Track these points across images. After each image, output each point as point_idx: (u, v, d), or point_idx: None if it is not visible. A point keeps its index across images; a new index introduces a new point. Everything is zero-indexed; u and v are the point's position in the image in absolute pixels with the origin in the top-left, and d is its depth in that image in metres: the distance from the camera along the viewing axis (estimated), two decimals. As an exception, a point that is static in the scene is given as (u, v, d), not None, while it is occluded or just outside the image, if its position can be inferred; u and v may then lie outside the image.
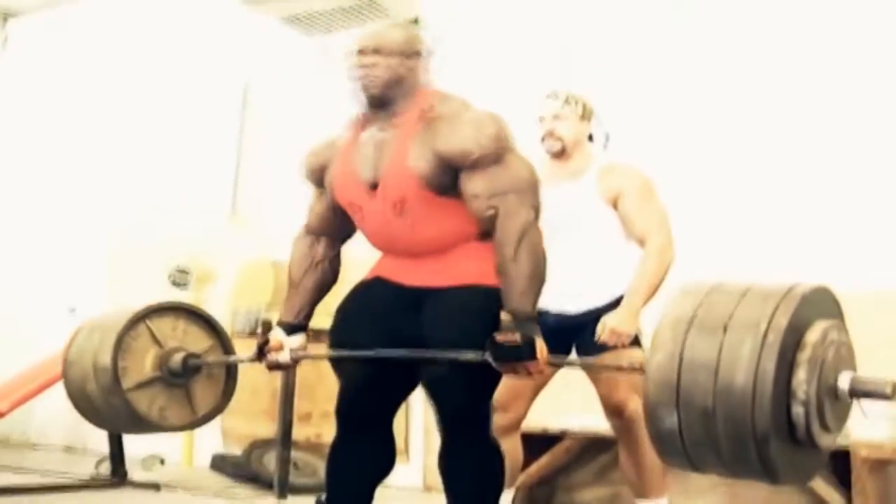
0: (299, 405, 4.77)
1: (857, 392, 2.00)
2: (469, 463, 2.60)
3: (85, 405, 3.10)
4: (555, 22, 5.21)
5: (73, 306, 6.28)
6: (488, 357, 2.41)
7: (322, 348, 2.79)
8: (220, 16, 6.28)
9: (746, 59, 4.65)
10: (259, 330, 2.91)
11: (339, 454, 2.69)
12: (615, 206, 3.24)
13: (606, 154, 3.41)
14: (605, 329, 3.07)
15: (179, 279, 5.18)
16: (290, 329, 2.80)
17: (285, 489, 4.49)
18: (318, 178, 2.80)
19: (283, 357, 2.77)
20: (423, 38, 2.71)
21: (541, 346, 2.43)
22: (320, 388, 4.91)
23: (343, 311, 2.73)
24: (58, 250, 6.74)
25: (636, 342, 3.16)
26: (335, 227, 2.82)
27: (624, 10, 5.03)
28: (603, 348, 3.12)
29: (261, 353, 2.80)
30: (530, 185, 2.56)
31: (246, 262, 5.12)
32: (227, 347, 3.30)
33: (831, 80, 4.44)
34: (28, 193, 7.05)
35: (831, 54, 4.46)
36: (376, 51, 2.60)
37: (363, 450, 2.67)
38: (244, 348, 2.89)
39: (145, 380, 3.05)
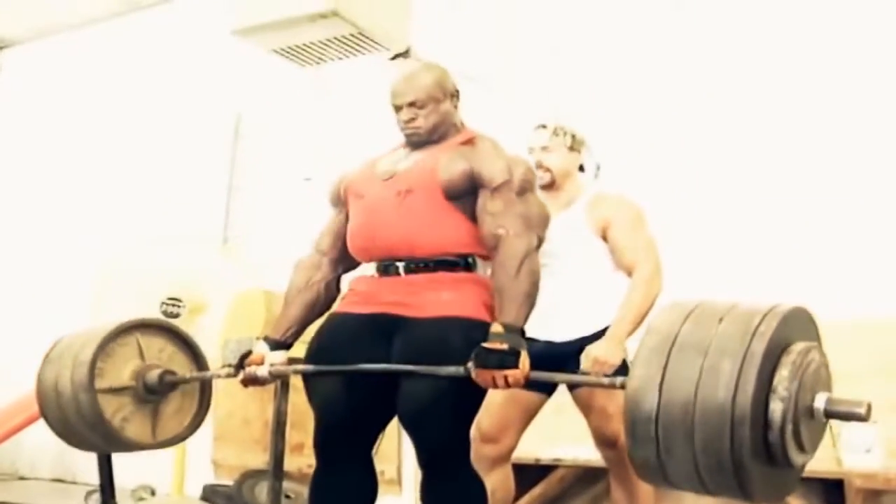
0: (291, 435, 4.74)
1: (833, 413, 2.02)
2: (450, 495, 2.59)
3: (51, 401, 3.05)
4: (545, 51, 5.24)
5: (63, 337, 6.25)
6: (470, 367, 2.40)
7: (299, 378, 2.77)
8: (212, 47, 6.30)
9: (734, 85, 4.68)
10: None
11: (320, 488, 2.68)
12: (604, 236, 3.25)
13: (598, 183, 3.42)
14: (589, 358, 3.06)
15: (171, 309, 5.17)
16: (275, 345, 2.78)
17: (277, 516, 4.47)
18: (336, 198, 2.88)
19: (262, 371, 2.74)
20: (451, 77, 2.83)
21: (524, 358, 2.44)
22: (312, 418, 4.88)
23: (314, 346, 2.72)
24: (45, 281, 6.72)
25: (624, 370, 3.15)
26: (342, 248, 2.84)
27: (612, 37, 5.07)
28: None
29: (240, 365, 2.78)
30: (541, 220, 2.69)
31: (237, 293, 5.10)
32: (207, 384, 3.28)
33: (818, 105, 4.47)
34: (17, 223, 7.04)
35: (818, 81, 4.49)
36: (412, 104, 2.74)
37: (344, 482, 2.65)
38: (233, 379, 2.87)
39: (119, 386, 3.03)
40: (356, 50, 5.10)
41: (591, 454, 3.68)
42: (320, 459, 2.68)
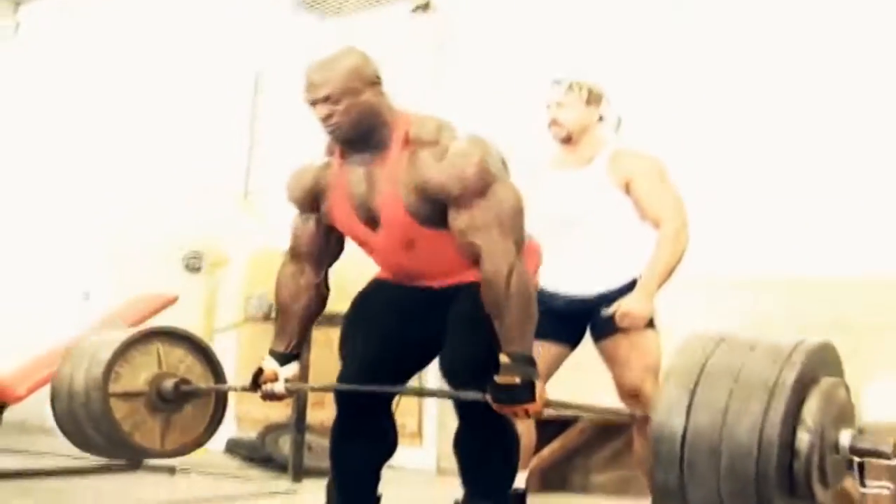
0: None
1: (858, 450, 2.02)
2: (484, 442, 2.61)
3: (62, 397, 3.09)
4: (568, 6, 5.18)
5: (87, 291, 6.32)
6: (488, 398, 2.41)
7: (335, 332, 2.79)
8: (233, 0, 6.28)
9: (755, 47, 4.62)
10: (272, 315, 2.91)
11: (340, 439, 2.71)
12: (627, 190, 3.23)
13: (619, 137, 3.40)
14: (620, 311, 3.07)
15: (193, 263, 5.20)
16: (283, 359, 2.77)
17: (300, 472, 4.52)
18: (306, 204, 2.71)
19: (279, 388, 2.74)
20: (371, 62, 2.54)
21: (540, 388, 2.41)
22: (334, 371, 4.91)
23: (357, 307, 2.74)
24: (71, 236, 6.75)
25: (651, 324, 3.17)
26: (323, 251, 2.75)
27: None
28: (618, 328, 3.13)
29: (255, 384, 2.77)
30: (514, 215, 2.48)
31: (258, 247, 5.13)
32: (222, 397, 3.30)
33: (840, 68, 4.41)
34: (40, 179, 7.07)
35: (839, 42, 4.43)
36: (327, 99, 2.48)
37: (364, 433, 2.68)
38: (257, 332, 2.89)
39: (133, 391, 3.05)
40: (377, 1, 5.08)
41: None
42: (340, 409, 2.70)
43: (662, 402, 2.01)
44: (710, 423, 1.93)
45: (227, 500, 3.86)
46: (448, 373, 2.58)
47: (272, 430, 5.21)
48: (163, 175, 6.30)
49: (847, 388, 2.09)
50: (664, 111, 4.65)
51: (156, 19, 6.67)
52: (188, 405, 3.19)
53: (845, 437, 2.01)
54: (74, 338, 4.45)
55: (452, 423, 2.70)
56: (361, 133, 2.51)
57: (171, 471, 4.76)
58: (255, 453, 5.16)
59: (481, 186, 2.44)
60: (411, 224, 2.52)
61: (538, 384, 2.40)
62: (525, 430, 3.30)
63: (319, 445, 4.87)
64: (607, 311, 3.11)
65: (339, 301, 2.82)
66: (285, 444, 4.82)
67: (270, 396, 2.76)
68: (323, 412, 5.19)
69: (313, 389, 2.80)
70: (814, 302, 4.20)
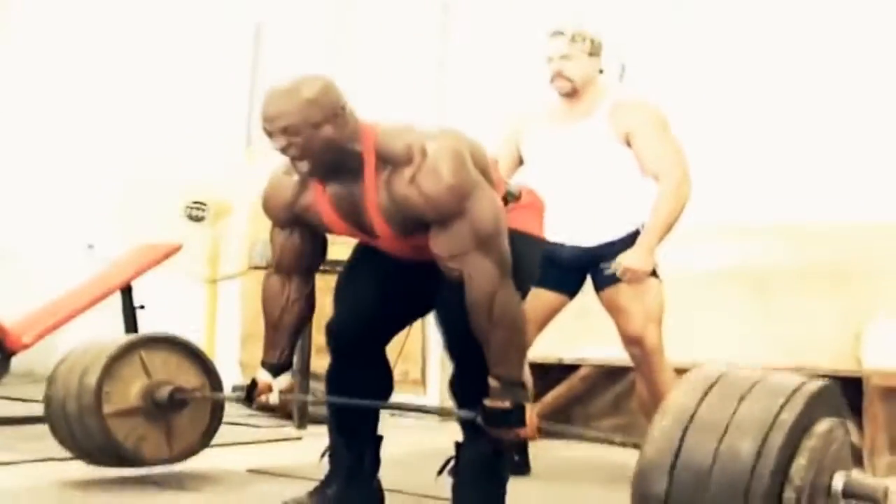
0: (317, 337, 4.78)
1: (850, 493, 2.00)
2: (479, 387, 2.64)
3: (61, 425, 3.08)
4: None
5: (91, 242, 6.34)
6: (479, 421, 2.42)
7: (334, 278, 2.80)
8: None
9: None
10: None
11: (335, 380, 2.73)
12: (628, 143, 3.23)
13: (622, 86, 3.39)
14: (621, 266, 3.09)
15: (196, 213, 5.20)
16: (276, 370, 2.76)
17: (304, 419, 4.56)
18: (287, 218, 2.65)
19: (273, 399, 2.76)
20: (333, 90, 2.39)
21: (530, 412, 2.43)
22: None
23: (354, 260, 2.75)
24: (74, 187, 6.77)
25: (653, 273, 3.19)
26: (308, 261, 2.72)
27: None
28: (618, 279, 3.15)
29: (249, 397, 2.77)
30: (493, 233, 2.39)
31: (262, 195, 5.12)
32: (215, 386, 3.30)
33: (838, 19, 4.39)
34: (43, 131, 7.06)
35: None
36: (284, 131, 2.34)
37: (358, 377, 2.69)
38: (262, 280, 2.89)
39: (128, 408, 3.04)
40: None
41: (614, 354, 3.73)
42: (333, 354, 2.72)
43: (646, 455, 1.97)
44: (699, 462, 1.88)
45: (234, 446, 3.90)
46: (441, 322, 2.59)
47: (277, 377, 5.25)
48: (165, 125, 6.30)
49: (846, 428, 2.08)
50: (664, 59, 4.64)
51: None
52: (185, 408, 3.19)
53: (838, 483, 2.00)
54: (75, 290, 4.47)
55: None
56: (327, 165, 2.41)
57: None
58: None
59: (456, 207, 2.35)
60: (406, 245, 2.52)
61: (528, 408, 2.42)
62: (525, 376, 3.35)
63: (324, 393, 4.92)
64: (609, 269, 3.13)
65: (345, 247, 2.83)
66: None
67: (265, 408, 2.79)
68: (327, 359, 5.23)
69: (310, 402, 2.82)
70: (814, 247, 4.22)
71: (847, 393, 3.93)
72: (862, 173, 4.24)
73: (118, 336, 3.23)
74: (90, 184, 6.60)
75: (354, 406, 2.69)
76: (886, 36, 4.29)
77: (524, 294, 2.56)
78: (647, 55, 4.43)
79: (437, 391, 5.13)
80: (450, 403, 2.73)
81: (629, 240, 3.19)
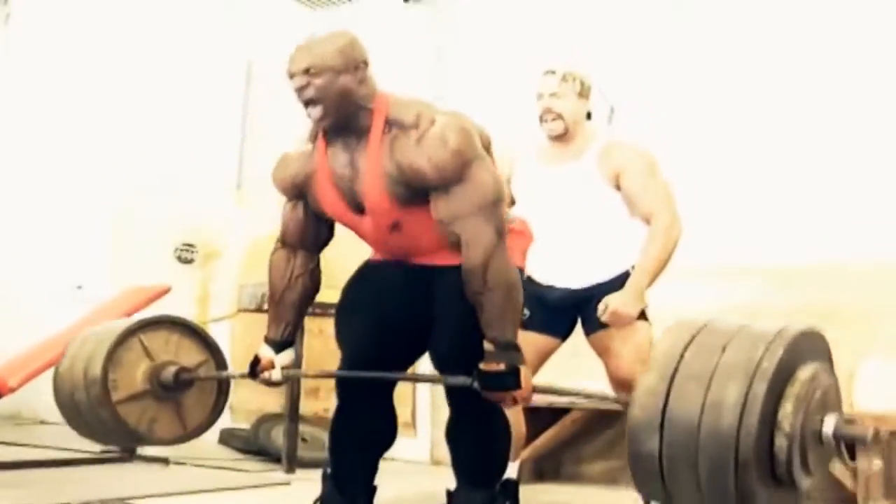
0: (307, 380, 4.78)
1: (840, 436, 2.00)
2: (476, 433, 2.63)
3: (73, 416, 3.11)
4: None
5: (80, 283, 6.31)
6: (475, 385, 2.42)
7: (328, 322, 2.80)
8: (224, -9, 6.28)
9: (741, 40, 4.64)
10: (265, 306, 2.93)
11: (340, 427, 2.72)
12: (617, 185, 3.23)
13: (611, 129, 3.40)
14: (608, 310, 3.07)
15: (186, 255, 5.19)
16: (279, 346, 2.78)
17: (293, 463, 4.52)
18: (292, 191, 2.71)
19: (275, 375, 2.78)
20: (359, 47, 2.54)
21: (525, 373, 2.43)
22: (328, 361, 4.92)
23: (350, 291, 2.74)
24: (63, 227, 6.74)
25: (642, 316, 3.17)
26: (313, 236, 2.76)
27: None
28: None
29: (252, 372, 2.80)
30: (493, 201, 2.47)
31: (252, 238, 5.12)
32: (219, 362, 3.31)
33: (823, 62, 4.43)
34: (32, 171, 7.04)
35: (832, 34, 4.44)
36: (306, 71, 2.47)
37: (365, 422, 2.68)
38: (251, 323, 2.90)
39: (136, 393, 3.06)
40: (368, -8, 5.07)
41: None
42: (342, 400, 2.71)
43: (635, 415, 1.99)
44: (688, 415, 1.91)
45: (221, 492, 3.86)
46: (438, 360, 2.59)
47: (266, 420, 5.21)
48: (156, 167, 6.29)
49: (831, 372, 2.08)
50: (653, 102, 4.66)
51: (146, 10, 6.66)
52: (192, 386, 3.20)
53: (828, 426, 2.00)
54: (63, 333, 4.45)
55: (446, 412, 2.72)
56: (340, 117, 2.50)
57: (165, 462, 4.76)
58: (248, 444, 5.17)
59: (459, 173, 2.44)
60: (395, 208, 2.52)
61: (523, 370, 2.42)
62: (516, 419, 3.32)
63: (313, 436, 4.88)
64: (599, 314, 3.10)
65: (331, 290, 2.83)
66: (279, 435, 4.82)
67: (268, 384, 2.79)
68: (317, 402, 5.21)
69: (308, 376, 2.83)
70: (803, 289, 4.21)
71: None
72: (850, 214, 4.25)
73: (114, 322, 3.22)
74: (79, 224, 6.58)
75: (359, 378, 2.64)
76: (866, 83, 4.32)
77: None
78: (637, 99, 4.45)
79: (427, 434, 5.09)
80: (440, 447, 2.72)
81: (619, 281, 3.17)
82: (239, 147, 6.23)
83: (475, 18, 5.40)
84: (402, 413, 5.10)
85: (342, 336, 2.72)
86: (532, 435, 4.09)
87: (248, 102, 6.27)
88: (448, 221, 2.45)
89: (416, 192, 2.48)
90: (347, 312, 2.73)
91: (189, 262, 5.15)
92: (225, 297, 5.23)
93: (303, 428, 4.73)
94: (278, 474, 4.49)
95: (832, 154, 4.34)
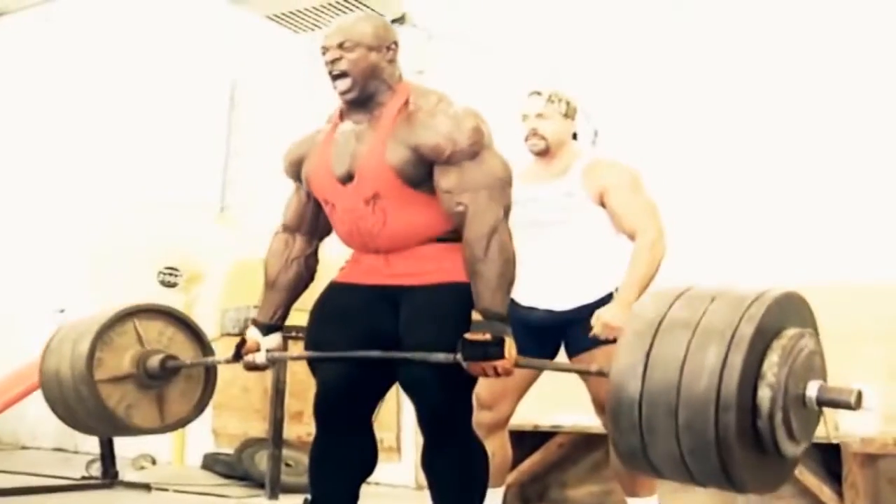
0: (290, 404, 4.76)
1: (824, 401, 1.98)
2: (451, 462, 2.59)
3: (54, 391, 3.06)
4: (544, 19, 5.20)
5: (62, 307, 6.26)
6: (459, 357, 2.40)
7: (300, 346, 2.78)
8: (207, 13, 6.26)
9: (734, 58, 4.65)
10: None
11: (320, 455, 2.67)
12: (602, 202, 3.23)
13: (595, 150, 3.40)
14: (599, 322, 3.06)
15: (168, 279, 5.16)
16: (266, 329, 2.78)
17: (277, 488, 4.49)
18: (296, 171, 2.78)
19: (260, 358, 2.76)
20: (392, 30, 2.67)
21: (510, 345, 2.42)
22: (312, 386, 4.89)
23: (316, 314, 2.70)
24: (44, 251, 6.71)
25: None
26: (312, 222, 2.79)
27: (615, 6, 5.03)
28: (594, 343, 3.11)
29: (238, 355, 2.78)
30: (503, 183, 2.54)
31: (235, 261, 5.09)
32: (212, 371, 3.27)
33: (819, 76, 4.45)
34: (13, 192, 7.02)
35: (817, 49, 4.47)
36: (340, 45, 2.57)
37: (344, 450, 2.64)
38: (234, 346, 2.87)
39: (120, 375, 3.02)
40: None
41: (590, 421, 3.69)
42: (320, 427, 2.67)
43: (618, 360, 1.97)
44: (666, 380, 1.88)
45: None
46: (407, 378, 2.56)
47: (249, 445, 5.18)
48: (138, 190, 6.27)
49: (816, 339, 2.06)
50: (637, 122, 4.67)
51: (130, 32, 6.66)
52: (179, 377, 3.16)
53: (812, 389, 1.97)
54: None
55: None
56: (365, 92, 2.59)
57: (147, 488, 4.73)
58: (232, 469, 5.13)
59: (473, 149, 2.51)
60: (385, 173, 2.54)
61: (508, 341, 2.41)
62: (500, 445, 3.30)
63: (297, 461, 4.85)
64: (592, 331, 3.08)
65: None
66: (262, 460, 4.79)
67: (252, 367, 2.77)
68: (301, 427, 5.18)
69: (293, 358, 2.81)
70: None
71: (825, 460, 3.95)
72: (837, 236, 4.27)
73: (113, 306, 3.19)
74: (60, 248, 6.55)
75: (337, 358, 2.60)
76: (858, 100, 4.35)
77: None
78: (623, 118, 4.47)
79: (413, 459, 5.06)
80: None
81: (602, 304, 3.16)
82: (222, 169, 6.21)
83: (458, 40, 5.40)
84: (387, 437, 5.13)
85: (313, 364, 2.70)
86: (517, 459, 4.07)
87: (232, 124, 6.26)
88: (457, 191, 2.49)
89: (416, 164, 2.52)
90: (315, 340, 2.69)
91: (172, 285, 5.12)
92: (208, 321, 5.20)
93: (286, 452, 4.70)
94: (261, 500, 4.46)
95: (821, 176, 4.35)
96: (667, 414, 1.88)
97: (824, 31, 4.48)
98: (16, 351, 5.14)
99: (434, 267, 2.58)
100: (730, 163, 4.56)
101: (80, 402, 3.00)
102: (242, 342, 2.79)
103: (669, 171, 4.33)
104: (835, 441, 3.76)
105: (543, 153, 3.30)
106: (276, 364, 2.87)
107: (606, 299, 3.16)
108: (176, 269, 5.20)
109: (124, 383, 3.04)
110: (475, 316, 2.43)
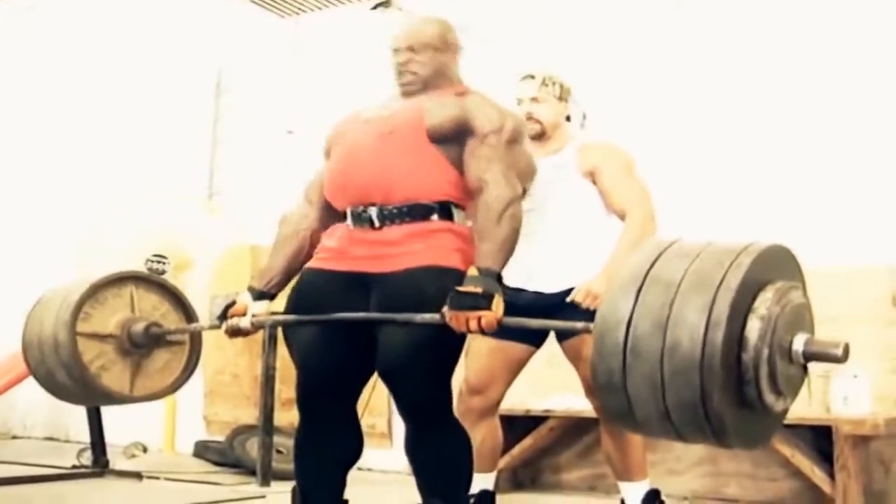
0: (281, 390, 4.75)
1: (811, 355, 1.95)
2: (433, 449, 2.57)
3: (33, 335, 2.99)
4: (538, 4, 5.19)
5: (50, 295, 6.24)
6: (445, 311, 2.38)
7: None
8: (192, 1, 6.22)
9: (729, 39, 4.65)
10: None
11: (304, 444, 2.66)
12: (593, 179, 3.22)
13: (584, 133, 3.39)
14: (582, 290, 3.05)
15: (157, 266, 5.14)
16: (258, 295, 2.75)
17: (268, 475, 4.48)
18: (329, 146, 2.79)
19: (244, 322, 2.71)
20: (455, 33, 2.80)
21: (498, 301, 2.40)
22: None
23: (294, 303, 2.67)
24: (31, 239, 6.68)
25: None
26: (329, 205, 2.76)
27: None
28: (583, 320, 3.09)
29: (223, 315, 2.74)
30: (528, 172, 2.71)
31: (224, 248, 5.07)
32: (197, 345, 3.23)
33: (814, 53, 4.44)
34: (2, 182, 6.98)
35: (813, 27, 4.46)
36: (410, 48, 2.71)
37: (328, 439, 2.62)
38: (222, 335, 2.84)
39: (102, 333, 2.99)
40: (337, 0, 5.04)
41: (582, 405, 3.69)
42: (304, 416, 2.66)
43: (604, 311, 1.94)
44: (652, 330, 1.86)
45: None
46: (384, 373, 2.54)
47: (240, 432, 5.17)
48: (126, 177, 6.24)
49: (804, 293, 2.04)
50: (632, 106, 4.67)
51: (115, 20, 6.60)
52: (161, 351, 3.12)
53: (798, 343, 1.95)
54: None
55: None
56: (426, 83, 2.72)
57: (139, 476, 4.72)
58: (223, 457, 5.12)
59: (510, 137, 2.62)
60: (415, 119, 2.61)
61: (497, 298, 2.39)
62: (491, 429, 3.29)
63: (288, 448, 4.84)
64: (572, 297, 3.07)
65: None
66: (253, 448, 4.78)
67: (235, 332, 2.73)
68: (291, 414, 5.13)
69: (276, 323, 2.78)
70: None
71: (817, 441, 3.95)
72: (825, 219, 4.27)
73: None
74: (49, 235, 6.52)
75: (323, 321, 2.58)
76: (853, 86, 4.34)
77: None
78: (617, 102, 4.47)
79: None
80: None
81: (592, 286, 3.14)
82: (210, 157, 6.18)
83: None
84: (378, 423, 5.13)
85: (294, 352, 2.68)
86: (509, 444, 4.08)
87: (219, 111, 6.23)
88: (482, 162, 2.57)
89: (447, 126, 2.60)
90: (294, 333, 2.67)
91: (160, 273, 5.09)
92: (196, 308, 5.19)
93: (278, 439, 4.69)
94: (253, 487, 4.45)
95: (811, 160, 4.36)
96: (651, 367, 1.85)
97: (818, 12, 4.47)
98: (3, 340, 5.12)
99: (406, 250, 2.55)
100: (722, 147, 4.56)
101: (54, 350, 2.93)
102: (231, 304, 2.75)
103: (663, 154, 4.33)
104: (826, 423, 3.77)
105: (539, 136, 3.29)
106: (259, 329, 2.81)
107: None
108: (164, 257, 5.18)
109: (104, 342, 2.98)
110: (471, 271, 2.44)
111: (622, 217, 3.17)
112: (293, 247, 2.77)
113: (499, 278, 2.46)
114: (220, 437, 5.37)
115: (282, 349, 4.24)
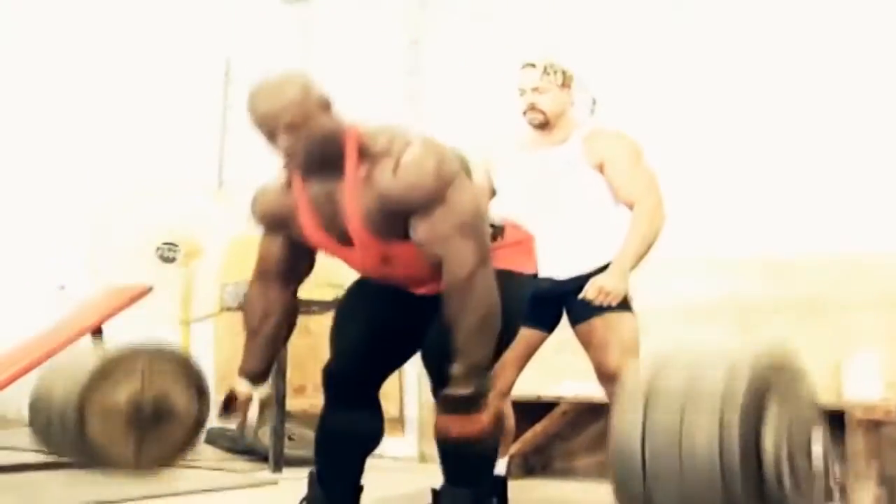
0: (293, 377, 4.76)
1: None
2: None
3: (42, 417, 3.03)
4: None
5: (62, 283, 6.26)
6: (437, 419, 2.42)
7: (318, 320, 2.76)
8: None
9: (733, 28, 4.63)
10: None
11: (327, 426, 2.69)
12: (601, 170, 3.21)
13: (594, 119, 3.38)
14: (594, 287, 3.05)
15: (167, 254, 5.15)
16: (253, 377, 2.69)
17: (280, 462, 4.50)
18: (272, 225, 2.63)
19: (253, 412, 2.69)
20: (318, 86, 2.42)
21: (492, 398, 2.43)
22: (313, 360, 4.89)
23: (352, 296, 2.74)
24: (44, 227, 6.69)
25: (626, 306, 3.14)
26: (291, 271, 2.68)
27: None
28: (593, 311, 3.10)
29: (227, 408, 2.69)
30: (473, 220, 2.41)
31: (233, 237, 5.08)
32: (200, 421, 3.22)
33: (817, 46, 4.42)
34: (12, 171, 6.99)
35: (816, 19, 4.44)
36: (288, 127, 2.34)
37: (351, 422, 2.66)
38: (234, 321, 2.85)
39: (111, 408, 2.97)
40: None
41: (593, 391, 3.69)
42: (331, 400, 2.67)
43: (616, 430, 1.95)
44: (667, 450, 1.84)
45: (208, 493, 3.83)
46: (427, 353, 2.56)
47: (252, 419, 5.18)
48: (137, 166, 6.25)
49: (807, 384, 2.01)
50: (642, 93, 4.65)
51: (124, 9, 6.60)
52: (165, 425, 3.10)
53: (816, 439, 1.93)
54: (46, 334, 4.42)
55: (433, 409, 2.67)
56: (317, 158, 2.41)
57: (151, 463, 4.72)
58: (235, 444, 5.13)
59: (438, 194, 2.36)
60: (379, 243, 2.47)
61: (487, 398, 2.40)
62: (505, 414, 3.29)
63: (300, 435, 4.85)
64: (584, 294, 3.08)
65: (316, 288, 2.79)
66: (266, 434, 4.79)
67: (243, 424, 2.75)
68: (304, 400, 5.17)
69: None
70: (792, 280, 4.21)
71: (829, 426, 3.93)
72: (837, 206, 4.25)
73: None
74: (61, 224, 6.53)
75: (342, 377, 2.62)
76: (854, 76, 4.33)
77: (512, 335, 2.54)
78: (624, 88, 4.45)
79: (415, 430, 5.07)
80: (428, 444, 2.69)
81: (602, 272, 3.14)
82: (219, 145, 6.19)
83: (452, 10, 5.37)
84: (390, 410, 5.09)
85: (334, 341, 2.69)
86: (520, 429, 4.08)
87: (228, 100, 6.22)
88: (429, 243, 2.38)
89: (396, 223, 2.41)
90: (344, 318, 2.71)
91: (171, 260, 5.11)
92: (207, 295, 5.20)
93: (290, 426, 4.70)
94: (265, 474, 4.46)
95: (819, 146, 4.35)
96: (671, 480, 1.84)
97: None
98: (17, 327, 5.13)
99: None
100: (728, 134, 4.54)
101: (61, 425, 2.95)
102: (232, 395, 2.68)
103: (668, 142, 4.31)
104: (838, 408, 3.76)
105: (543, 126, 3.28)
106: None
107: (606, 268, 3.14)
108: (174, 245, 5.19)
109: (112, 418, 2.99)
110: (455, 369, 2.36)
111: (631, 208, 3.16)
112: (270, 327, 2.68)
113: (486, 370, 2.41)
114: (233, 424, 5.37)
115: (294, 336, 4.24)
